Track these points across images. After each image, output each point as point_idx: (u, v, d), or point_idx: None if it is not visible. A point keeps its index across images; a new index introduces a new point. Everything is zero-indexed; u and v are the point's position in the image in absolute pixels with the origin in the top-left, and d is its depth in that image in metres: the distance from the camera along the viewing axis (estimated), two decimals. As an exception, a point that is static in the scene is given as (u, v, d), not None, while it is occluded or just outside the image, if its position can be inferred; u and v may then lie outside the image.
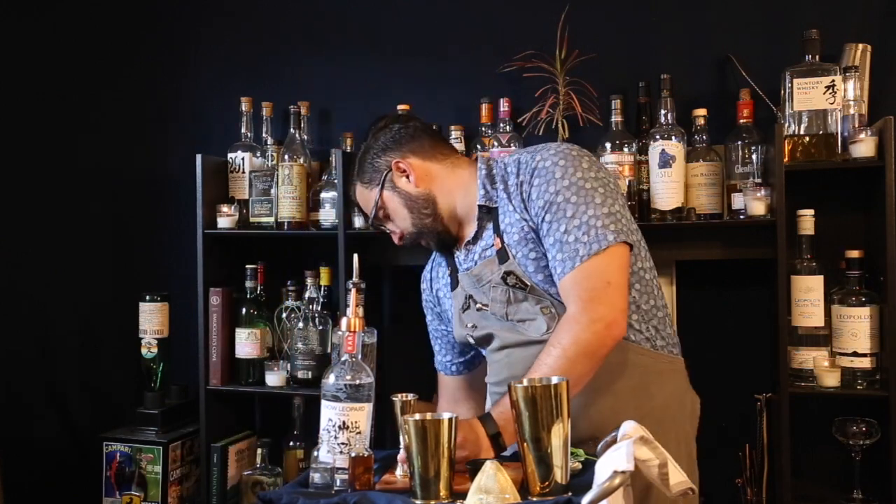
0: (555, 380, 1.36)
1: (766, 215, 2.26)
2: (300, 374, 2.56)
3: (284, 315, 2.66)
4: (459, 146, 2.52)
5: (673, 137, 2.32)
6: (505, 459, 1.52)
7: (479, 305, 1.79)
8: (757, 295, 2.46)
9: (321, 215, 2.57)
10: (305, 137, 2.67)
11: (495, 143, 2.45)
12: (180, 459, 2.67)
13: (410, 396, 1.58)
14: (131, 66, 3.04)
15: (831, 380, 2.21)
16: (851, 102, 2.28)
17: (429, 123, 2.53)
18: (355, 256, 1.67)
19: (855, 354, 2.22)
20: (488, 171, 1.79)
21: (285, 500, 1.42)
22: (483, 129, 2.53)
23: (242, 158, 2.71)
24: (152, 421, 2.65)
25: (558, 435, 1.33)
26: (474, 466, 1.39)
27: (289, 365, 2.60)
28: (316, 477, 1.49)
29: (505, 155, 2.37)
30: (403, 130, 1.85)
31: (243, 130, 2.74)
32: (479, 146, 2.50)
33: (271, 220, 2.63)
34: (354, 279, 1.62)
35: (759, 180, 2.33)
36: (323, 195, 2.56)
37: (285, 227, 2.59)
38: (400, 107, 2.56)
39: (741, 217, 2.31)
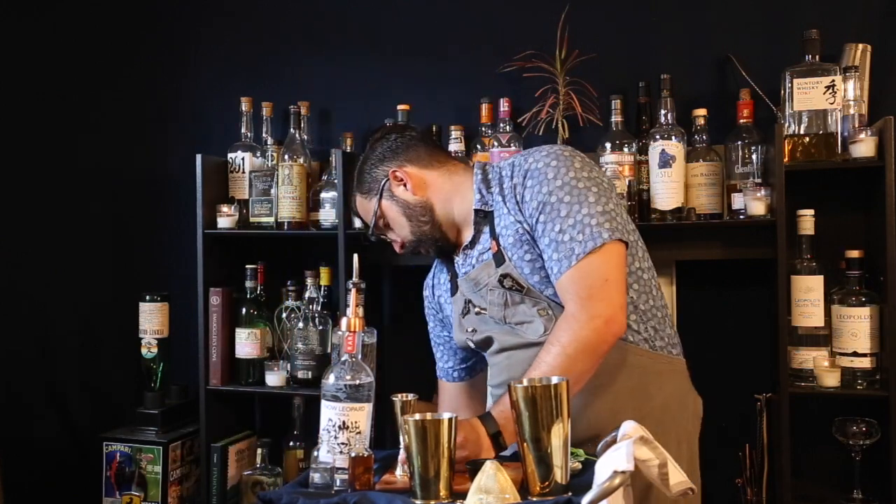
0: (555, 380, 1.36)
1: (766, 215, 2.26)
2: (300, 374, 2.56)
3: (284, 315, 2.66)
4: (459, 146, 2.52)
5: (673, 137, 2.33)
6: (505, 459, 1.52)
7: (477, 309, 1.79)
8: (757, 295, 2.46)
9: (321, 215, 2.57)
10: (305, 137, 2.68)
11: (495, 143, 2.45)
12: (180, 459, 2.67)
13: (410, 396, 1.58)
14: (131, 66, 3.04)
15: (831, 380, 2.21)
16: (851, 102, 2.28)
17: (427, 129, 2.56)
18: (355, 256, 1.67)
19: (855, 354, 2.22)
20: (484, 176, 1.80)
21: (285, 500, 1.42)
22: (483, 129, 2.53)
23: (242, 158, 2.71)
24: (152, 421, 2.65)
25: (558, 435, 1.33)
26: (474, 466, 1.39)
27: (289, 365, 2.60)
28: (316, 477, 1.49)
29: (505, 155, 2.39)
30: (399, 140, 1.87)
31: (243, 130, 2.74)
32: (479, 146, 2.50)
33: (271, 220, 2.63)
34: (354, 279, 1.62)
35: (759, 180, 2.33)
36: (323, 195, 2.56)
37: (285, 227, 2.59)
38: (400, 107, 2.56)
39: (741, 217, 2.31)
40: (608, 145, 2.38)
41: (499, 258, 1.73)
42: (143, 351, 2.71)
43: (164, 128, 3.02)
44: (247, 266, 2.68)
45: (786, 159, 2.23)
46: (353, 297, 1.57)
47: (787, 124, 2.27)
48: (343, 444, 1.48)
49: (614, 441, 1.38)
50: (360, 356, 1.53)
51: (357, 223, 2.50)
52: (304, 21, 2.89)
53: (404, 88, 2.71)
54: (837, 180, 2.39)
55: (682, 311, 2.45)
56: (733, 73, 2.46)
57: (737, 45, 2.47)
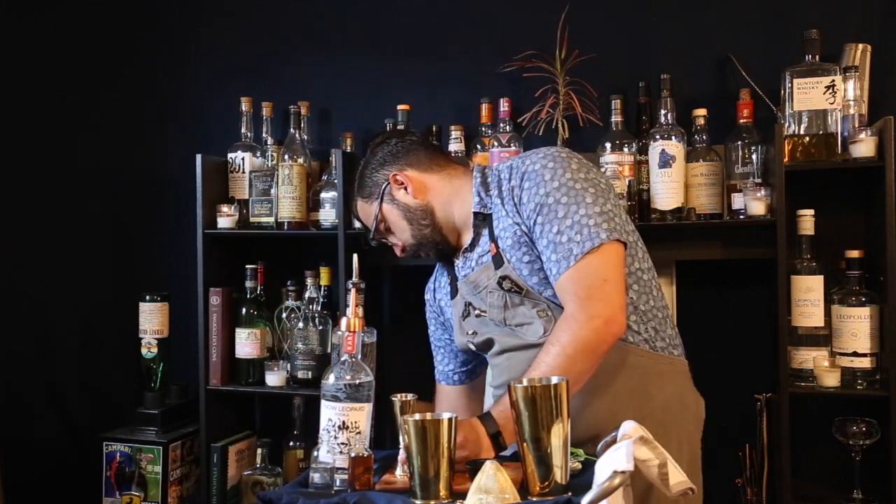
0: (554, 380, 1.36)
1: (766, 215, 2.26)
2: (300, 374, 2.56)
3: (284, 315, 2.66)
4: (459, 146, 2.52)
5: (673, 137, 2.33)
6: (505, 459, 1.52)
7: (478, 312, 1.80)
8: (757, 295, 2.46)
9: (321, 215, 2.57)
10: (305, 137, 2.67)
11: (495, 143, 2.45)
12: (180, 459, 2.67)
13: (410, 396, 1.58)
14: (131, 66, 3.04)
15: (831, 380, 2.21)
16: (851, 102, 2.28)
17: (427, 130, 2.56)
18: (355, 256, 1.67)
19: (855, 354, 2.23)
20: (483, 179, 1.81)
21: (285, 500, 1.42)
22: (483, 129, 2.53)
23: (242, 158, 2.71)
24: (152, 421, 2.65)
25: (558, 435, 1.33)
26: (474, 466, 1.39)
27: (289, 365, 2.60)
28: (316, 477, 1.49)
29: (504, 155, 2.39)
30: (400, 144, 1.88)
31: (243, 130, 2.74)
32: (479, 146, 2.50)
33: (271, 220, 2.63)
34: (354, 279, 1.62)
35: (759, 180, 2.33)
36: (323, 195, 2.56)
37: (285, 227, 2.59)
38: (400, 107, 2.56)
39: (741, 217, 2.31)
40: (608, 145, 2.38)
41: (498, 260, 1.74)
42: (143, 351, 2.71)
43: (164, 128, 3.02)
44: (247, 266, 2.68)
45: (786, 159, 2.23)
46: (352, 297, 1.57)
47: (787, 124, 2.27)
48: (343, 444, 1.48)
49: (614, 441, 1.38)
50: (360, 356, 1.53)
51: (357, 225, 2.50)
52: (304, 21, 2.89)
53: (404, 88, 2.71)
54: (837, 180, 2.39)
55: (682, 311, 2.45)
56: (733, 73, 2.46)
57: (737, 45, 2.47)
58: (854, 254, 2.26)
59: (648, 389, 1.72)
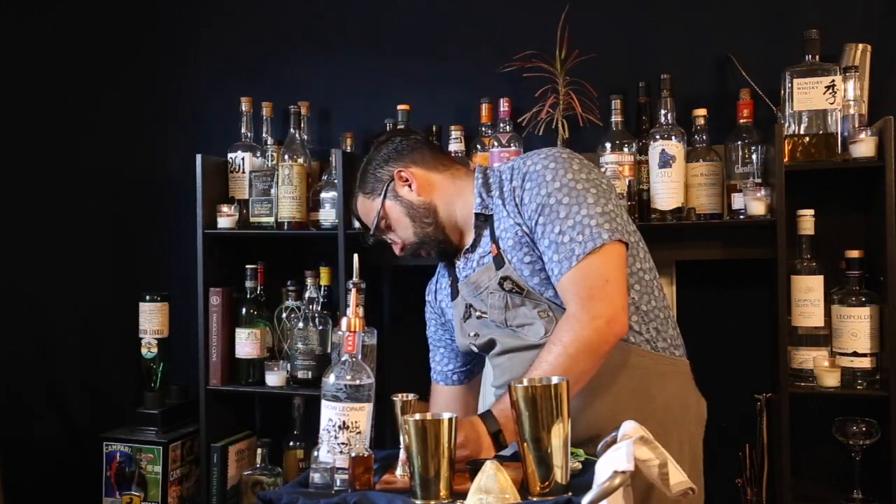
0: (555, 380, 1.36)
1: (766, 215, 2.26)
2: (300, 374, 2.56)
3: (284, 315, 2.66)
4: (459, 146, 2.52)
5: (673, 137, 2.33)
6: (505, 459, 1.52)
7: (479, 313, 1.79)
8: (757, 295, 2.46)
9: (321, 215, 2.57)
10: (305, 137, 2.68)
11: (495, 143, 2.45)
12: (180, 459, 2.67)
13: (410, 396, 1.58)
14: (131, 66, 3.04)
15: (831, 380, 2.21)
16: (851, 102, 2.28)
17: (427, 130, 2.56)
18: (355, 256, 1.67)
19: (855, 354, 2.23)
20: (484, 180, 1.81)
21: (285, 500, 1.42)
22: (483, 129, 2.53)
23: (242, 158, 2.71)
24: (152, 421, 2.65)
25: (558, 435, 1.33)
26: (474, 466, 1.39)
27: (289, 365, 2.60)
28: (316, 477, 1.49)
29: (504, 155, 2.39)
30: (405, 142, 1.88)
31: (243, 130, 2.74)
32: (479, 146, 2.50)
33: (271, 220, 2.63)
34: (354, 279, 1.62)
35: (759, 180, 2.33)
36: (323, 195, 2.56)
37: (285, 227, 2.59)
38: (400, 107, 2.56)
39: (741, 217, 2.31)
40: (608, 145, 2.38)
41: (499, 261, 1.73)
42: (143, 351, 2.71)
43: (164, 128, 3.02)
44: (247, 266, 2.68)
45: (786, 159, 2.23)
46: (353, 298, 1.57)
47: (787, 124, 2.27)
48: (343, 444, 1.48)
49: (614, 441, 1.38)
50: (360, 356, 1.53)
51: (356, 225, 2.50)
52: (304, 21, 2.89)
53: (404, 88, 2.71)
54: (837, 180, 2.39)
55: (682, 311, 2.45)
56: (733, 73, 2.46)
57: (737, 45, 2.47)
58: (854, 254, 2.26)
59: (650, 390, 1.72)
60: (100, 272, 3.05)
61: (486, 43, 2.66)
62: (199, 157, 2.63)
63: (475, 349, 1.85)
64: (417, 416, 1.38)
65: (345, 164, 2.47)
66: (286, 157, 2.61)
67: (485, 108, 2.53)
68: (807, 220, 2.28)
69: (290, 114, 2.67)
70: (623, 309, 1.64)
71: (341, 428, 1.48)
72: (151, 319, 2.71)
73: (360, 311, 1.57)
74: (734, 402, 2.36)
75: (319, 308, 2.59)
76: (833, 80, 2.23)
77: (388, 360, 2.46)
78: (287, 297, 2.66)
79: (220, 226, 2.65)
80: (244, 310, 2.65)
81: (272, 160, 2.69)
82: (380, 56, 2.81)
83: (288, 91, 2.78)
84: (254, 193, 2.66)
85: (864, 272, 2.25)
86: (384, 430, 2.22)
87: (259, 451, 2.58)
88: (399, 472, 1.54)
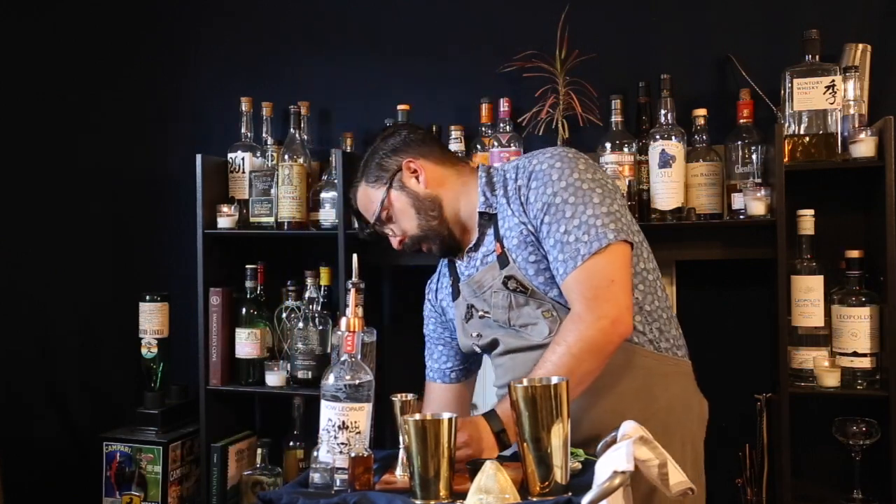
0: (555, 380, 1.36)
1: (766, 215, 2.26)
2: (300, 374, 2.56)
3: (284, 315, 2.66)
4: (459, 146, 2.52)
5: (673, 137, 2.32)
6: (505, 459, 1.53)
7: (481, 313, 1.79)
8: (757, 295, 2.46)
9: (321, 215, 2.57)
10: (305, 137, 2.68)
11: (495, 143, 2.45)
12: (180, 459, 2.67)
13: (410, 396, 1.58)
14: (131, 66, 3.04)
15: (831, 380, 2.21)
16: (851, 102, 2.28)
17: (429, 130, 2.56)
18: (355, 256, 1.67)
19: (855, 354, 2.22)
20: (488, 179, 1.80)
21: (285, 500, 1.42)
22: (483, 129, 2.53)
23: (242, 158, 2.71)
24: (152, 421, 2.65)
25: (558, 435, 1.33)
26: (474, 466, 1.39)
27: (289, 365, 2.60)
28: (316, 477, 1.49)
29: (504, 155, 2.39)
30: (413, 135, 1.87)
31: (243, 130, 2.74)
32: (479, 146, 2.50)
33: (271, 220, 2.63)
34: (354, 279, 1.62)
35: (759, 180, 2.33)
36: (323, 195, 2.56)
37: (285, 227, 2.59)
38: (400, 107, 2.56)
39: (741, 217, 2.31)
40: (608, 145, 2.38)
41: (503, 260, 1.73)
42: (143, 351, 2.71)
43: (164, 128, 3.02)
44: (247, 266, 2.68)
45: (786, 159, 2.23)
46: (352, 297, 1.57)
47: (787, 124, 2.27)
48: (343, 444, 1.48)
49: (614, 441, 1.38)
50: (359, 356, 1.53)
51: (355, 225, 2.50)
52: (304, 21, 2.89)
53: (404, 88, 2.71)
54: (837, 180, 2.39)
55: (682, 311, 2.44)
56: (733, 73, 2.46)
57: (737, 45, 2.47)
58: (854, 254, 2.26)
59: (653, 390, 1.72)
60: (100, 272, 3.05)
61: (486, 43, 2.66)
62: (199, 157, 2.63)
63: (478, 349, 1.84)
64: (417, 416, 1.39)
65: (345, 164, 2.47)
66: (286, 157, 2.61)
67: (485, 108, 2.53)
68: (807, 220, 2.28)
69: (290, 114, 2.67)
70: (628, 309, 1.64)
71: (341, 428, 1.48)
72: (151, 319, 2.71)
73: (360, 310, 1.57)
74: (734, 402, 2.36)
75: (319, 308, 2.59)
76: (833, 80, 2.23)
77: (387, 359, 2.46)
78: (287, 297, 2.66)
79: (220, 226, 2.65)
80: (244, 310, 2.65)
81: (272, 160, 2.69)
82: (380, 56, 2.81)
83: (288, 91, 2.78)
84: (254, 193, 2.66)
85: (864, 272, 2.25)
86: (384, 430, 2.22)
87: (259, 451, 2.58)
88: (399, 472, 1.54)
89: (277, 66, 2.89)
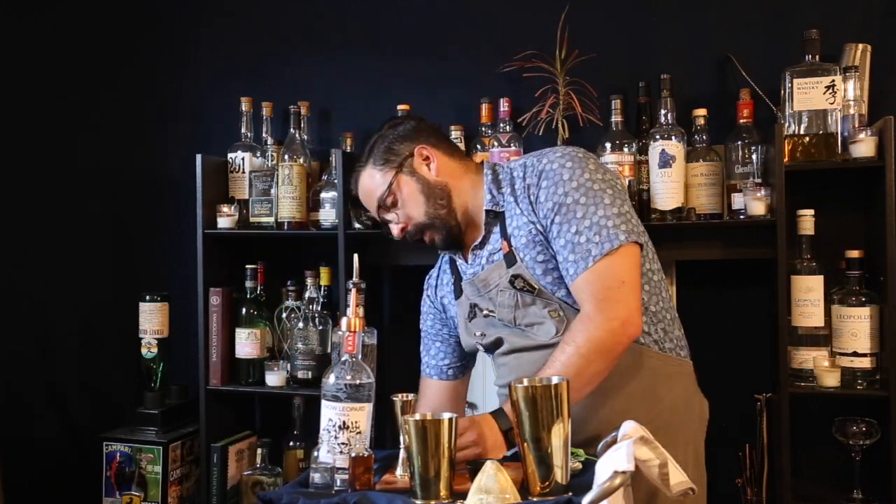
0: (555, 380, 1.36)
1: (766, 215, 2.26)
2: (300, 374, 2.56)
3: (284, 315, 2.66)
4: (459, 146, 2.51)
5: (673, 137, 2.32)
6: (505, 459, 1.53)
7: (485, 312, 1.78)
8: (757, 295, 2.46)
9: (321, 215, 2.57)
10: (305, 137, 2.67)
11: (495, 143, 2.45)
12: (180, 459, 2.67)
13: (410, 396, 1.59)
14: (131, 66, 3.04)
15: (831, 380, 2.21)
16: (851, 102, 2.28)
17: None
18: (355, 256, 1.67)
19: (855, 354, 2.22)
20: (494, 177, 1.80)
21: (285, 500, 1.42)
22: (483, 129, 2.53)
23: (242, 158, 2.71)
24: (152, 421, 2.65)
25: (558, 435, 1.33)
26: (474, 466, 1.39)
27: (289, 365, 2.60)
28: (316, 477, 1.49)
29: (504, 155, 2.39)
30: (423, 125, 1.87)
31: (243, 130, 2.74)
32: (479, 146, 2.50)
33: (271, 220, 2.63)
34: (354, 279, 1.62)
35: (759, 180, 2.33)
36: (323, 195, 2.56)
37: (285, 227, 2.59)
38: (400, 107, 2.56)
39: (741, 217, 2.31)
40: (608, 145, 2.38)
41: (510, 259, 1.72)
42: (143, 351, 2.71)
43: (164, 128, 3.02)
44: (247, 266, 2.68)
45: (786, 159, 2.23)
46: (353, 297, 1.57)
47: (787, 124, 2.27)
48: (343, 444, 1.48)
49: (614, 441, 1.38)
50: (360, 356, 1.53)
51: (356, 225, 2.50)
52: (304, 21, 2.89)
53: (404, 88, 2.71)
54: (837, 180, 2.39)
55: (682, 311, 2.41)
56: (733, 73, 2.46)
57: (737, 45, 2.47)
58: (854, 254, 2.26)
59: (658, 391, 1.72)
60: (100, 272, 3.05)
61: (486, 43, 2.66)
62: (199, 157, 2.63)
63: (481, 348, 1.84)
64: (418, 416, 1.38)
65: (345, 164, 2.47)
66: (286, 157, 2.61)
67: (485, 108, 2.53)
68: (807, 220, 2.28)
69: (290, 114, 2.67)
70: (637, 311, 1.64)
71: (341, 428, 1.48)
72: (151, 319, 2.71)
73: (360, 311, 1.57)
74: (734, 402, 2.35)
75: (319, 308, 2.59)
76: (833, 80, 2.23)
77: (388, 359, 2.46)
78: (287, 297, 2.66)
79: (220, 226, 2.65)
80: (244, 310, 2.65)
81: (272, 160, 2.69)
82: (380, 56, 2.81)
83: (288, 91, 2.77)
84: (254, 193, 2.66)
85: (864, 272, 2.25)
86: (384, 430, 2.22)
87: (259, 451, 2.58)
88: (399, 472, 1.54)
89: (277, 66, 2.89)
